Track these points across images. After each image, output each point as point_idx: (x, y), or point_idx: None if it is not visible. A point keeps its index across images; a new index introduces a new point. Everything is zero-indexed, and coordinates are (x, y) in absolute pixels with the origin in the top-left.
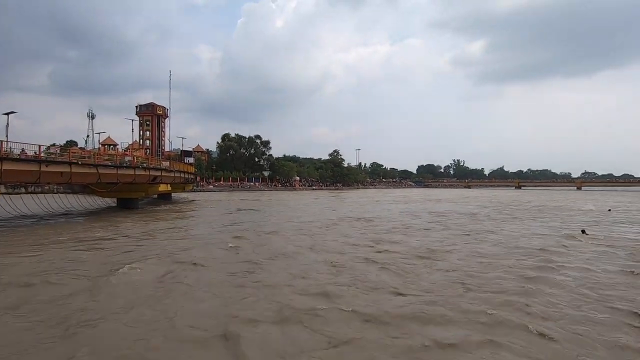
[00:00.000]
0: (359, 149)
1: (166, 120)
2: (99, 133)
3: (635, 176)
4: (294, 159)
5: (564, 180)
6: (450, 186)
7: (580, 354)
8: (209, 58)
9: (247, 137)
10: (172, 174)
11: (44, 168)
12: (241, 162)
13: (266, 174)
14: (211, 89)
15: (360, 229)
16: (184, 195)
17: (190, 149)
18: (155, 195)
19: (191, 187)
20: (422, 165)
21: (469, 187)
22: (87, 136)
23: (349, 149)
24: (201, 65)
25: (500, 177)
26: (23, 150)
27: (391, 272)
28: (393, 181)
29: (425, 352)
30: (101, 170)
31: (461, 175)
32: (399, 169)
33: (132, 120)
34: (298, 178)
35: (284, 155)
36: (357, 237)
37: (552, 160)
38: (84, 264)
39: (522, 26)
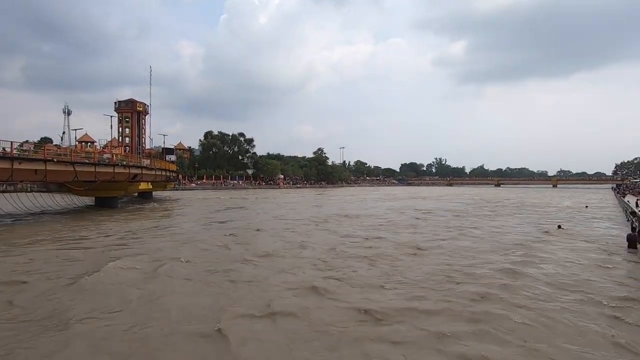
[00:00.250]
0: (343, 147)
1: (146, 117)
2: (75, 130)
3: (607, 174)
4: (278, 157)
5: (541, 178)
6: (433, 184)
7: (555, 337)
8: (191, 54)
9: (230, 134)
10: (153, 172)
11: (16, 165)
12: (224, 160)
13: (250, 172)
14: (193, 86)
15: (348, 225)
16: (165, 193)
17: (172, 147)
18: (136, 194)
19: (173, 186)
20: (405, 163)
21: (450, 185)
22: (63, 133)
23: (333, 147)
24: (183, 61)
25: (481, 176)
26: None
27: (381, 267)
28: (377, 179)
29: (416, 339)
30: (78, 168)
31: (443, 174)
32: (382, 167)
33: (111, 116)
34: (282, 176)
35: (268, 153)
36: (345, 233)
37: (530, 159)
38: (71, 262)
39: (502, 28)
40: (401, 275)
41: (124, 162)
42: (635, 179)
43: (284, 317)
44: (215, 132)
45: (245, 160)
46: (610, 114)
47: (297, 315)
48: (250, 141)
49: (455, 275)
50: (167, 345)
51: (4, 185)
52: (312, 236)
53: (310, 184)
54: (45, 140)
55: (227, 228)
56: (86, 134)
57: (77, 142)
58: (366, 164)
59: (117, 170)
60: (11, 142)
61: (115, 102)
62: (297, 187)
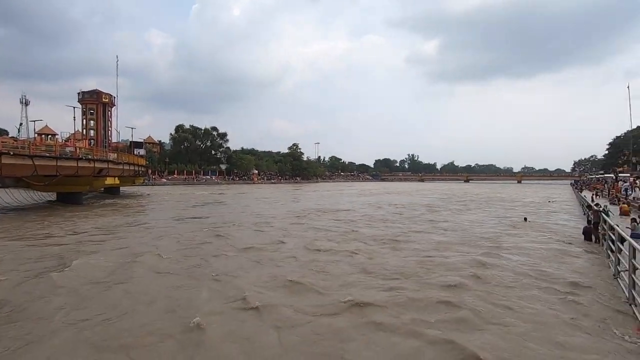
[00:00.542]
0: (318, 143)
1: (113, 109)
2: (34, 121)
3: (566, 171)
4: (252, 152)
5: (507, 174)
6: (405, 180)
7: (517, 318)
8: (161, 44)
9: (202, 128)
10: (120, 167)
11: None
12: (196, 155)
13: (223, 167)
14: (164, 78)
15: (326, 220)
16: (134, 189)
17: (141, 140)
18: (102, 190)
19: (142, 181)
20: (379, 159)
21: (422, 180)
22: (20, 124)
23: (308, 142)
24: (152, 52)
25: (451, 172)
26: None
27: (360, 259)
28: (351, 175)
29: (395, 325)
30: (38, 162)
31: (415, 170)
32: (356, 163)
33: (74, 107)
34: (256, 171)
35: (242, 148)
36: (324, 227)
37: (497, 156)
38: (37, 259)
39: (471, 29)
40: (380, 267)
41: (89, 156)
42: (590, 175)
43: (264, 309)
44: (187, 126)
45: (219, 155)
46: (570, 113)
47: (278, 307)
48: (223, 135)
49: (430, 265)
50: (140, 342)
51: None
52: (291, 230)
53: (285, 179)
54: (0, 132)
55: (203, 223)
56: (46, 125)
57: (36, 135)
58: (341, 159)
59: (81, 164)
60: None
61: (78, 93)
62: (272, 183)
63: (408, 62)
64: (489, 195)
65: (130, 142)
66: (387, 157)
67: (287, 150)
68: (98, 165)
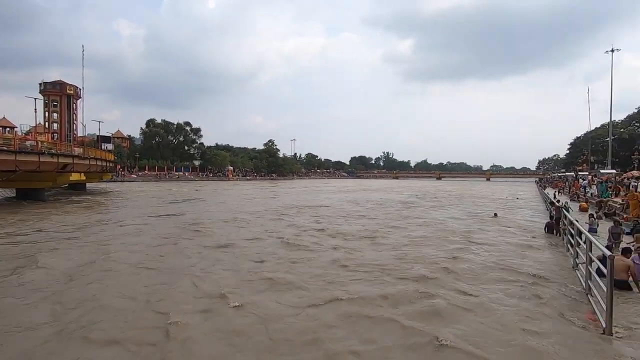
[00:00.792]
0: (294, 140)
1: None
2: None
3: (532, 169)
4: (227, 148)
5: (477, 172)
6: (381, 177)
7: (489, 300)
8: (130, 35)
9: (175, 123)
10: (86, 162)
11: None
12: (169, 151)
13: (197, 163)
14: (134, 70)
15: (306, 216)
16: (101, 185)
17: (109, 135)
18: (66, 185)
19: (110, 177)
20: (355, 156)
21: (396, 178)
22: None
23: (284, 139)
24: (121, 42)
25: (424, 169)
26: None
27: (339, 253)
28: (327, 172)
29: (375, 313)
30: None
31: (390, 167)
32: (332, 160)
33: (35, 99)
34: (231, 168)
35: (217, 144)
36: (304, 223)
37: (468, 154)
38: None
39: (444, 30)
40: (358, 261)
41: (52, 150)
42: (553, 173)
43: (246, 305)
44: (159, 120)
45: (192, 150)
46: (536, 114)
47: (260, 301)
48: (197, 131)
49: (406, 259)
50: (112, 343)
51: None
52: (271, 226)
53: (261, 176)
54: None
55: (180, 220)
56: (4, 117)
57: None
58: (317, 156)
59: (43, 159)
60: None
61: (40, 84)
62: (247, 179)
63: (383, 61)
64: (461, 192)
65: (98, 136)
66: (362, 155)
67: (262, 147)
68: (62, 160)
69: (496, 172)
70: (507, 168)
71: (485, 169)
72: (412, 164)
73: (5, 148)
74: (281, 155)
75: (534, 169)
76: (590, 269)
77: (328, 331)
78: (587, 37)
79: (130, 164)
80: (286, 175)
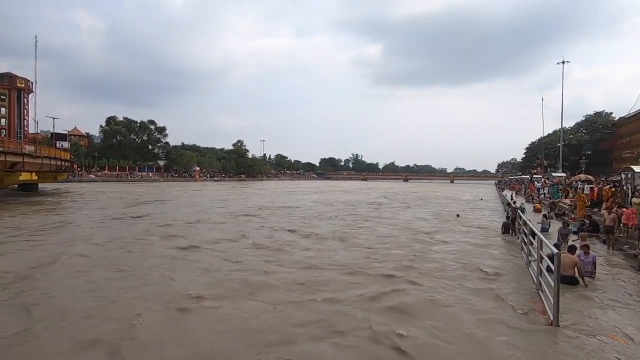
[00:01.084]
0: (263, 140)
1: (30, 95)
2: None
3: (492, 172)
4: (193, 148)
5: (442, 174)
6: (350, 179)
7: (449, 296)
8: (91, 27)
9: (138, 121)
10: (38, 161)
11: None
12: (131, 150)
13: (161, 163)
14: (94, 64)
15: (280, 217)
16: (56, 186)
17: (65, 132)
18: (16, 186)
19: (66, 177)
20: (325, 158)
21: (365, 179)
22: None
23: (253, 139)
24: (80, 35)
25: (392, 171)
26: None
27: (312, 252)
28: (297, 173)
29: (348, 302)
30: None
31: (359, 169)
32: (302, 162)
33: None
34: (198, 168)
35: (183, 143)
36: (277, 223)
37: (433, 157)
38: None
39: (412, 37)
40: (331, 259)
41: None
42: (511, 176)
43: (224, 302)
44: (120, 118)
45: (156, 150)
46: (496, 120)
47: (239, 297)
48: (162, 130)
49: (376, 256)
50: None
51: None
52: (244, 227)
53: (229, 177)
54: None
55: (145, 222)
56: None
57: None
58: (287, 157)
59: None
60: None
61: None
62: (215, 180)
63: (352, 64)
64: (427, 194)
65: (52, 133)
66: (332, 156)
67: (231, 147)
68: (10, 158)
69: (459, 174)
70: (469, 171)
71: (450, 171)
72: (381, 166)
73: None
74: (250, 156)
75: (494, 172)
76: (540, 266)
77: (306, 319)
78: (540, 49)
79: (88, 164)
80: (255, 176)
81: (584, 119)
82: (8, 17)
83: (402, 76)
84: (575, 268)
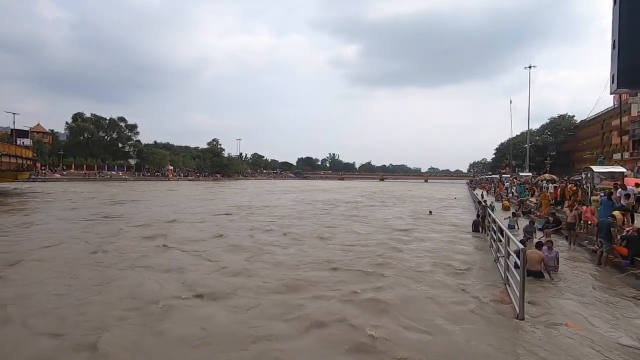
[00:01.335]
0: (239, 139)
1: None
2: None
3: (464, 172)
4: (167, 147)
5: (416, 174)
6: (327, 178)
7: (421, 290)
8: (55, 18)
9: (108, 118)
10: None
11: None
12: (100, 148)
13: (133, 162)
14: (59, 57)
15: (259, 216)
16: (16, 185)
17: (27, 129)
18: None
19: (28, 176)
20: (302, 157)
21: (342, 179)
22: None
23: (229, 138)
24: (44, 26)
25: (368, 171)
26: None
27: (293, 250)
28: (274, 172)
29: (329, 290)
30: None
31: (336, 168)
32: (279, 161)
33: None
34: (171, 167)
35: (155, 142)
36: (257, 222)
37: (408, 157)
38: None
39: (387, 38)
40: (312, 256)
41: None
42: (482, 176)
43: (214, 294)
44: (88, 115)
45: (127, 148)
46: (468, 121)
47: (225, 293)
48: (133, 127)
49: (355, 252)
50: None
51: None
52: (223, 226)
53: (204, 176)
54: None
55: (120, 222)
56: None
57: None
58: (263, 156)
59: None
60: None
61: None
62: (189, 180)
63: (330, 64)
64: (402, 193)
65: (12, 130)
66: (309, 156)
67: (206, 146)
68: None
69: (433, 174)
70: (442, 170)
71: (424, 171)
72: (357, 166)
73: None
74: (226, 155)
75: (466, 172)
76: (508, 261)
77: (290, 310)
78: (510, 54)
79: (53, 162)
80: (231, 176)
81: (548, 121)
82: None
83: (378, 77)
84: (542, 263)
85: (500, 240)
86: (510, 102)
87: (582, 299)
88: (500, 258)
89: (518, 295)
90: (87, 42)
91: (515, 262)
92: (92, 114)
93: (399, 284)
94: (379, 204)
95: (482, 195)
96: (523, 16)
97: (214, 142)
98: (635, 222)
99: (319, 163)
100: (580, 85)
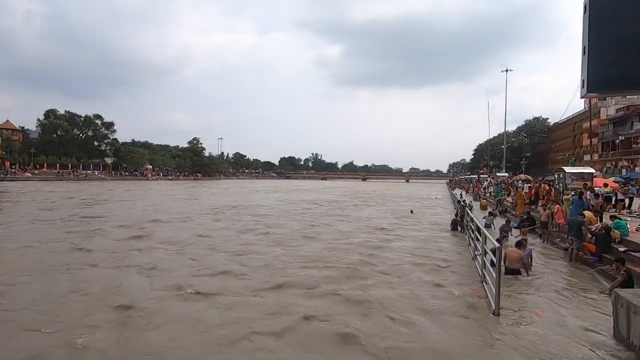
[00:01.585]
0: (221, 138)
1: None
2: None
3: (444, 172)
4: (145, 146)
5: (398, 174)
6: (309, 178)
7: (401, 280)
8: (26, 10)
9: (83, 116)
10: None
11: None
12: (74, 146)
13: (109, 161)
14: (30, 51)
15: (244, 215)
16: None
17: None
18: None
19: None
20: (284, 157)
21: (324, 179)
22: None
23: (210, 137)
24: (13, 18)
25: (351, 171)
26: None
27: (280, 248)
28: (256, 172)
29: (315, 288)
30: None
31: (318, 168)
32: (261, 160)
33: None
34: (150, 167)
35: (133, 140)
36: (243, 222)
37: (390, 157)
38: None
39: (370, 39)
40: (297, 255)
41: None
42: (461, 176)
43: (206, 291)
44: (62, 111)
45: (103, 147)
46: (448, 122)
47: (210, 292)
48: (109, 125)
49: (339, 250)
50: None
51: None
52: (209, 226)
53: (184, 175)
54: None
55: (99, 222)
56: None
57: None
58: (245, 156)
59: None
60: None
61: None
62: (169, 179)
63: (313, 64)
64: (384, 193)
65: None
66: (292, 155)
67: (186, 145)
68: None
69: (414, 174)
70: (423, 170)
71: (405, 171)
72: (340, 166)
73: None
74: (207, 154)
75: (446, 172)
76: (485, 259)
77: (279, 307)
78: (488, 57)
79: (23, 160)
80: (212, 175)
81: (524, 123)
82: None
83: (361, 78)
84: (521, 262)
85: (478, 239)
86: (488, 104)
87: (554, 295)
88: (477, 256)
89: (494, 292)
90: (61, 36)
91: (492, 260)
92: (66, 111)
93: (381, 281)
94: (362, 204)
95: (461, 195)
96: (501, 21)
97: (195, 141)
98: (604, 220)
99: (302, 163)
100: (554, 88)
